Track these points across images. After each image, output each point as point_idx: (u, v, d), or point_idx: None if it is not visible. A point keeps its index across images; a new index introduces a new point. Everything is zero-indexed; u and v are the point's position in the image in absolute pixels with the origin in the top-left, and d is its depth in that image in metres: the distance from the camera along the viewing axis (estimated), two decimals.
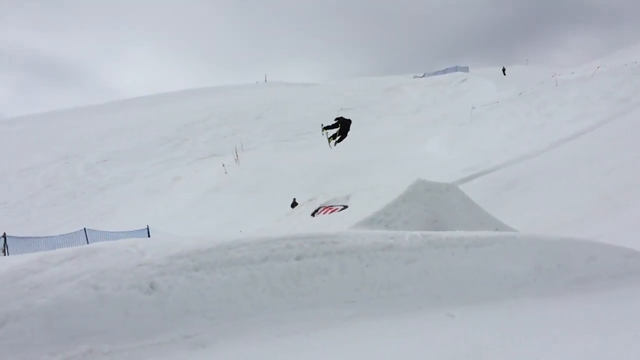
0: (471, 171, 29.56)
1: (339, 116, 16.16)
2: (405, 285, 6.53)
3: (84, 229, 23.54)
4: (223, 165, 39.08)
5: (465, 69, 73.99)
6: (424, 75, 78.71)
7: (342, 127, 15.24)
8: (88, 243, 20.49)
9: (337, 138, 15.30)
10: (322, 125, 15.89)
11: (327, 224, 12.34)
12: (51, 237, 23.50)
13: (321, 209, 14.10)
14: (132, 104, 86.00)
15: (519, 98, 45.55)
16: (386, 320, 5.69)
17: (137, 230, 23.63)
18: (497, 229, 11.72)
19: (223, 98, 74.25)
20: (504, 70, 69.37)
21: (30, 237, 23.36)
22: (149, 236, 22.58)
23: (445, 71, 75.77)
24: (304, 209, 14.66)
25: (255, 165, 38.81)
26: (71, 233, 23.35)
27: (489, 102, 47.67)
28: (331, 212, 13.55)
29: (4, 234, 21.61)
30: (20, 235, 23.47)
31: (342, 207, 13.47)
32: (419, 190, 12.37)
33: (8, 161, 49.95)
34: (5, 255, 19.42)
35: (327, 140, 15.57)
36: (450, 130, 42.56)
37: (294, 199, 24.29)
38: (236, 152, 41.52)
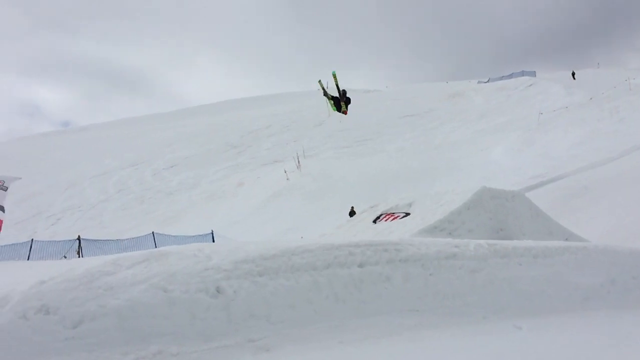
0: (538, 179, 28.58)
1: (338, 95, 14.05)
2: (469, 295, 6.40)
3: (152, 232, 24.34)
4: (285, 172, 39.54)
5: (532, 74, 71.73)
6: (488, 81, 76.93)
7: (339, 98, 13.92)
8: (156, 246, 21.21)
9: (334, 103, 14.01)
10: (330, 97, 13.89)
11: (389, 231, 12.24)
12: (121, 240, 24.46)
13: (383, 216, 14.01)
14: (199, 112, 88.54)
15: (589, 103, 43.75)
16: (450, 330, 5.59)
17: (201, 235, 24.21)
18: (567, 239, 11.30)
19: (285, 105, 75.23)
20: (573, 74, 66.78)
21: (102, 240, 24.40)
22: (213, 241, 23.09)
23: (511, 76, 73.74)
24: (366, 215, 14.60)
25: (317, 172, 39.06)
26: (140, 236, 24.19)
27: (558, 107, 46.02)
28: (393, 219, 13.43)
29: (79, 236, 22.66)
30: (93, 238, 24.55)
31: (404, 214, 13.33)
32: (483, 198, 12.08)
33: (82, 167, 52.43)
34: (79, 256, 20.34)
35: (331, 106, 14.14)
36: (516, 136, 41.35)
37: (352, 207, 24.20)
38: (298, 159, 41.92)
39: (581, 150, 32.61)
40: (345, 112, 14.01)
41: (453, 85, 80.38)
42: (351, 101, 14.07)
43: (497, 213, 11.96)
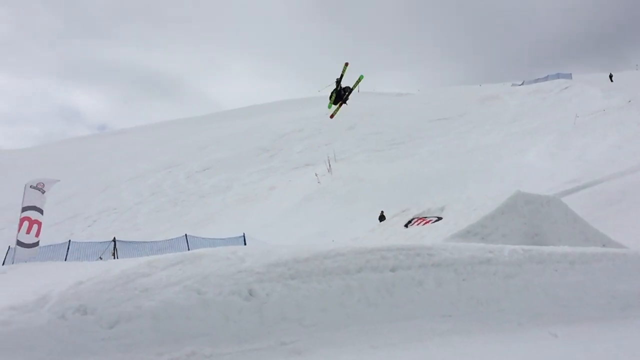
0: (574, 183, 27.95)
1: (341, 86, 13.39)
2: (504, 301, 6.30)
3: (185, 235, 24.64)
4: (316, 175, 39.61)
5: (568, 76, 70.34)
6: (523, 83, 75.75)
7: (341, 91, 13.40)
8: (189, 248, 21.47)
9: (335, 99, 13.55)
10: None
11: (421, 235, 12.16)
12: (155, 242, 24.81)
13: (414, 220, 13.91)
14: (231, 115, 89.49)
15: (628, 106, 42.64)
16: (484, 336, 5.52)
17: (233, 238, 24.39)
18: (604, 245, 11.03)
19: (317, 109, 75.36)
20: (611, 76, 65.21)
21: (137, 242, 24.81)
22: (245, 244, 23.26)
23: (546, 78, 72.46)
24: (397, 219, 14.53)
25: (348, 175, 38.99)
26: (173, 238, 24.52)
27: (595, 110, 45.00)
28: (425, 223, 13.33)
29: (114, 238, 23.10)
30: (128, 240, 24.99)
31: (436, 218, 13.22)
32: (518, 203, 11.89)
33: (117, 170, 53.48)
34: (115, 258, 20.74)
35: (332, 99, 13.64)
36: (551, 140, 40.58)
37: (382, 212, 24.03)
38: (329, 162, 41.94)
39: (619, 154, 31.81)
40: (336, 107, 13.62)
41: (486, 88, 79.42)
42: (347, 101, 13.53)
43: (532, 218, 11.76)
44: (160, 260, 5.52)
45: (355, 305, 5.63)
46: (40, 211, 15.47)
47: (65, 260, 19.91)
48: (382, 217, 22.71)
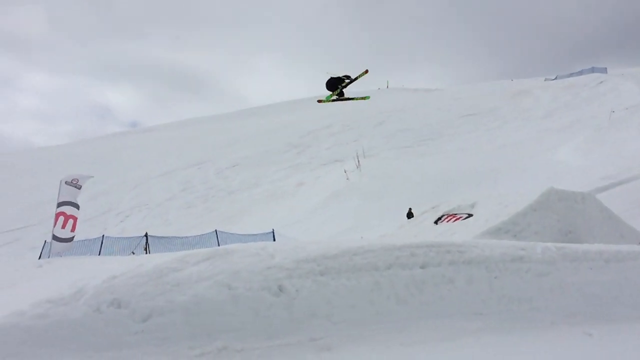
0: (609, 180, 27.32)
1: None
2: (536, 300, 6.21)
3: (215, 230, 24.88)
4: (345, 172, 39.56)
5: (603, 70, 68.83)
6: (556, 78, 74.41)
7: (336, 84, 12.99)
8: (219, 244, 21.67)
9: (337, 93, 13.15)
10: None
11: (451, 232, 12.04)
12: (186, 237, 25.10)
13: (444, 216, 13.79)
14: (260, 112, 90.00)
15: None
16: (516, 335, 5.44)
17: (263, 234, 24.53)
18: None
19: (345, 105, 75.23)
20: None
21: (168, 237, 25.14)
22: (274, 239, 23.37)
23: (580, 73, 71.06)
24: (427, 216, 14.42)
25: (377, 172, 38.86)
26: (204, 234, 24.77)
27: (631, 105, 43.94)
28: (455, 220, 13.20)
29: (146, 233, 23.46)
30: (159, 235, 25.35)
31: (467, 215, 13.07)
32: (551, 200, 11.68)
33: (148, 167, 54.32)
34: (147, 253, 21.07)
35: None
36: (585, 135, 39.76)
37: (410, 209, 23.81)
38: (357, 159, 41.85)
39: None
40: (333, 95, 13.15)
41: (518, 83, 78.26)
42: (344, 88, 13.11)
43: (565, 215, 11.54)
44: (192, 255, 5.58)
45: (384, 302, 5.61)
46: (76, 206, 15.81)
47: (99, 254, 20.31)
48: (410, 215, 22.55)
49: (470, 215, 12.91)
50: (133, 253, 20.63)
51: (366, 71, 12.66)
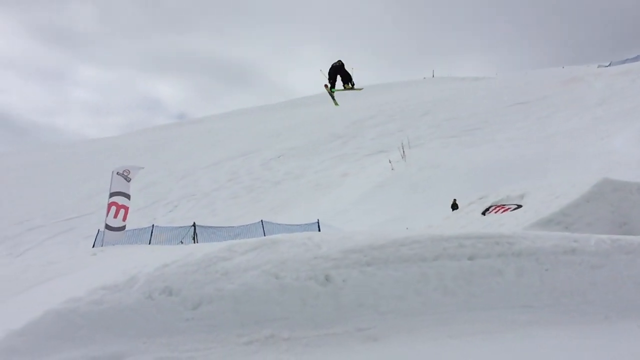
0: None
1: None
2: (589, 293, 6.03)
3: (261, 220, 25.15)
4: (390, 162, 39.29)
5: None
6: (610, 64, 71.71)
7: (334, 73, 12.66)
8: (264, 234, 21.93)
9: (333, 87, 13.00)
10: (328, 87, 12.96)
11: (499, 223, 11.82)
12: (232, 227, 25.48)
13: (492, 207, 13.55)
14: (304, 103, 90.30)
15: None
16: (568, 329, 5.30)
17: (308, 224, 24.65)
18: None
19: (390, 95, 74.65)
20: None
21: (215, 227, 25.58)
22: (319, 230, 23.47)
23: (636, 58, 68.24)
24: (474, 207, 14.20)
25: (422, 162, 38.42)
26: (250, 224, 25.09)
27: None
28: (503, 211, 12.95)
29: (194, 223, 23.94)
30: (207, 225, 25.82)
31: (516, 206, 12.81)
32: (605, 190, 11.30)
33: (196, 158, 55.31)
34: (195, 242, 21.51)
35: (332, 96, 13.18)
36: None
37: (455, 200, 23.41)
38: (403, 149, 41.47)
39: None
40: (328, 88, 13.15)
41: (570, 70, 75.72)
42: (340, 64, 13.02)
43: (619, 206, 11.15)
44: (240, 245, 5.67)
45: (431, 294, 5.56)
46: (127, 196, 16.26)
47: (149, 243, 20.85)
48: (454, 206, 22.22)
49: (519, 206, 12.64)
50: (182, 242, 21.08)
51: (361, 88, 13.45)
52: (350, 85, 12.95)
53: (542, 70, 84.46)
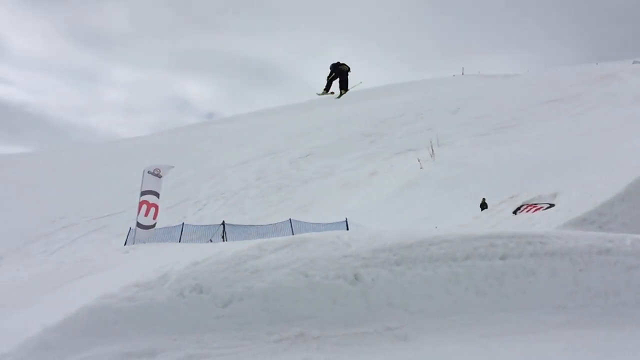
0: None
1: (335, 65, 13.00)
2: (625, 294, 5.90)
3: (290, 219, 25.20)
4: (418, 161, 39.00)
5: None
6: None
7: (337, 74, 12.58)
8: (293, 232, 21.96)
9: (339, 91, 12.93)
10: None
11: (531, 222, 11.65)
12: (261, 225, 25.59)
13: (524, 206, 13.36)
14: (332, 102, 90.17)
15: None
16: (603, 331, 5.19)
17: (336, 223, 24.60)
18: None
19: (419, 93, 74.11)
20: None
21: (244, 225, 25.73)
22: (347, 229, 23.41)
23: None
24: (505, 206, 14.02)
25: (451, 161, 38.03)
26: (278, 223, 25.16)
27: None
28: (535, 210, 12.76)
29: (223, 221, 24.12)
30: (235, 223, 25.98)
31: (548, 205, 12.61)
32: None
33: (225, 156, 55.79)
34: (224, 240, 21.67)
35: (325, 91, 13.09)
36: None
37: (483, 199, 23.09)
38: (432, 147, 41.11)
39: None
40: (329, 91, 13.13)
41: (603, 66, 74.09)
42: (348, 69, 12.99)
43: None
44: (269, 243, 5.70)
45: (462, 294, 5.50)
46: (157, 195, 16.48)
47: (180, 241, 21.07)
48: (483, 205, 21.93)
49: (551, 205, 12.44)
50: (211, 241, 21.26)
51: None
52: (343, 92, 13.04)
53: (574, 67, 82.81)
